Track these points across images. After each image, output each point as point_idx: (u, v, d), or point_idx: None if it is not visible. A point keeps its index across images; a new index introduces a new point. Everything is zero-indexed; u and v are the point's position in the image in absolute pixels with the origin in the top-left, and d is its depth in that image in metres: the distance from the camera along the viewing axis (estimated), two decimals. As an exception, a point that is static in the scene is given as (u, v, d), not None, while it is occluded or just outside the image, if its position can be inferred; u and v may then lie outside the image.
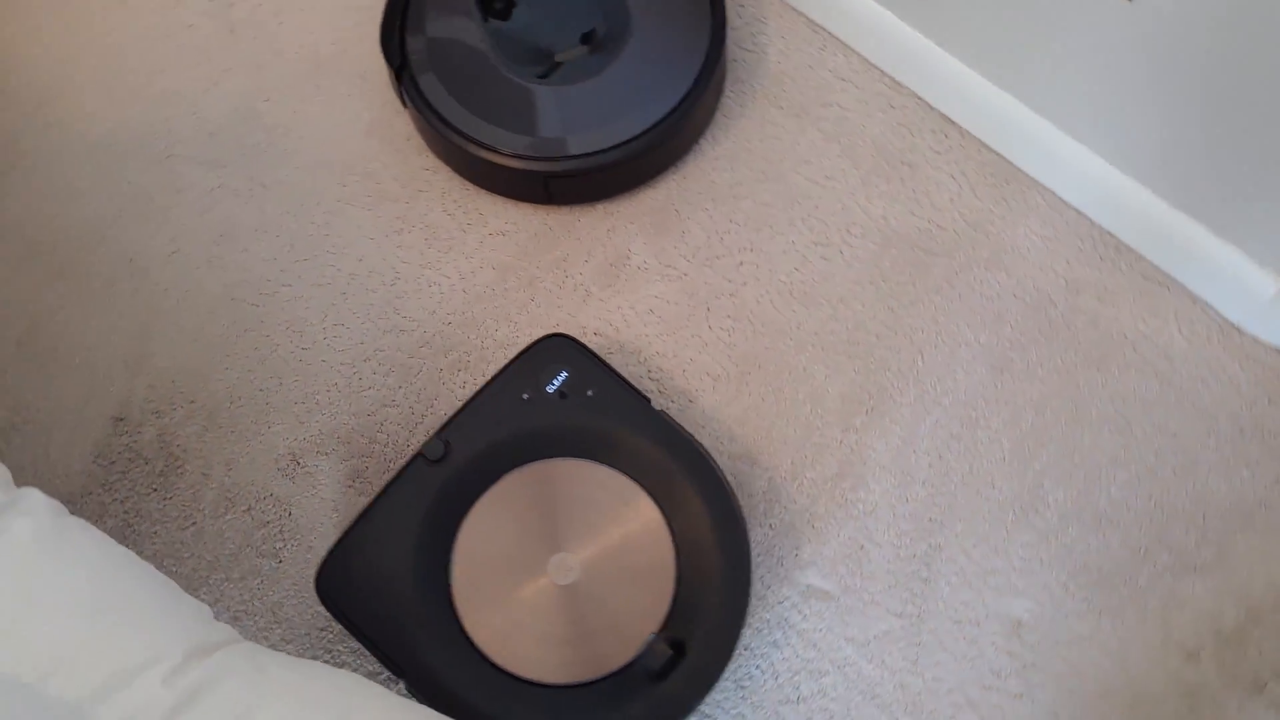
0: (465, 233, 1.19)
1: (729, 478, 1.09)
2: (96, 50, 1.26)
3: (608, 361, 1.07)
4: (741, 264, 1.17)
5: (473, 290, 1.16)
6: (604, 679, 0.97)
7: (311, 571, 1.04)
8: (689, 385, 1.13)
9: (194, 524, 1.10)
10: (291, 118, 1.23)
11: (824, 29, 1.24)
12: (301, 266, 1.18)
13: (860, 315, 1.15)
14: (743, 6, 1.26)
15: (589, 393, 1.04)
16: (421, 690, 0.96)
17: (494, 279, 1.17)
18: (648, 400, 1.05)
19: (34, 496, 0.75)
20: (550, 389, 1.03)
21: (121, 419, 1.13)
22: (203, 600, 1.06)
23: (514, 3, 1.18)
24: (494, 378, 1.05)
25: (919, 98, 1.21)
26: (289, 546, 1.09)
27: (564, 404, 1.03)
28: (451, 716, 0.92)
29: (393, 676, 0.99)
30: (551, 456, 1.02)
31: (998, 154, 1.19)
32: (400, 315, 1.16)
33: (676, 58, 1.16)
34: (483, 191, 1.20)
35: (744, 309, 1.15)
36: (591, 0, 1.19)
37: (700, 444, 1.04)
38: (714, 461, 1.03)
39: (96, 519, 1.10)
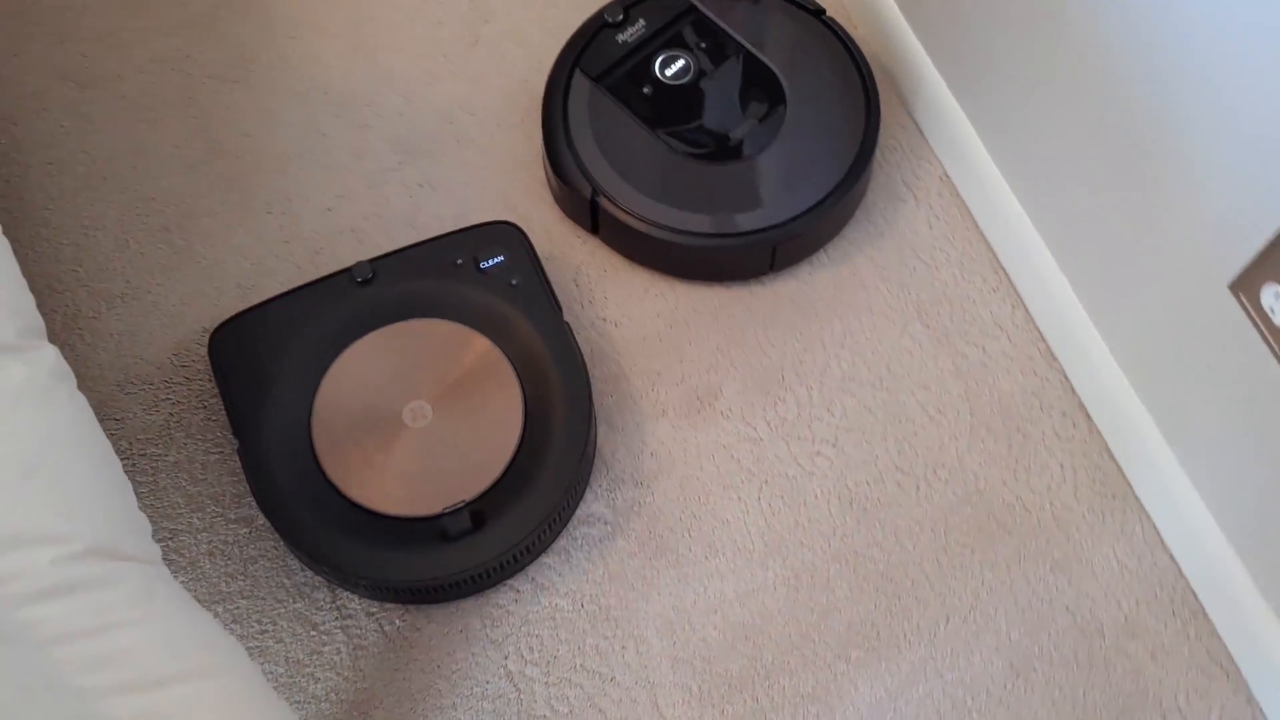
0: (583, 309, 1.20)
1: (703, 643, 1.06)
2: (353, 11, 1.34)
3: (545, 271, 1.15)
4: (819, 454, 1.14)
5: (563, 362, 1.18)
6: (403, 519, 1.05)
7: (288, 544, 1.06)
8: (711, 541, 1.11)
9: (221, 452, 1.14)
10: (484, 137, 1.27)
11: (1005, 272, 1.21)
12: (428, 272, 1.21)
13: (907, 555, 1.11)
14: (936, 220, 1.24)
15: (513, 281, 1.12)
16: (247, 459, 1.06)
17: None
18: (560, 311, 1.12)
19: (46, 353, 0.79)
20: (484, 265, 1.12)
21: (206, 331, 1.19)
22: (193, 526, 1.10)
23: (695, 110, 1.20)
24: (442, 235, 1.15)
25: (1065, 376, 1.17)
26: (288, 512, 1.12)
27: (487, 280, 1.12)
28: (260, 494, 1.05)
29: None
30: (455, 320, 1.11)
31: (1117, 464, 1.14)
32: (488, 354, 1.18)
33: (837, 110, 1.20)
34: (615, 276, 1.21)
35: (799, 497, 1.13)
36: (748, 75, 1.21)
37: (588, 371, 1.10)
38: (590, 392, 1.09)
39: (144, 410, 1.15)
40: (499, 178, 1.26)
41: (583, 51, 1.21)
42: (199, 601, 1.05)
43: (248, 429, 1.07)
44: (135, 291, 1.21)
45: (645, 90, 1.20)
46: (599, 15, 1.23)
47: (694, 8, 1.23)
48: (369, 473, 1.06)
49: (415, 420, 1.07)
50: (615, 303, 1.21)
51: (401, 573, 1.03)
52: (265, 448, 1.06)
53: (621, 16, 1.22)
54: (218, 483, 1.13)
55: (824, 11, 1.25)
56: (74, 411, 0.80)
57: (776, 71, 1.21)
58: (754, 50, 1.22)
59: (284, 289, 1.20)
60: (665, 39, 1.22)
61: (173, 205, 1.24)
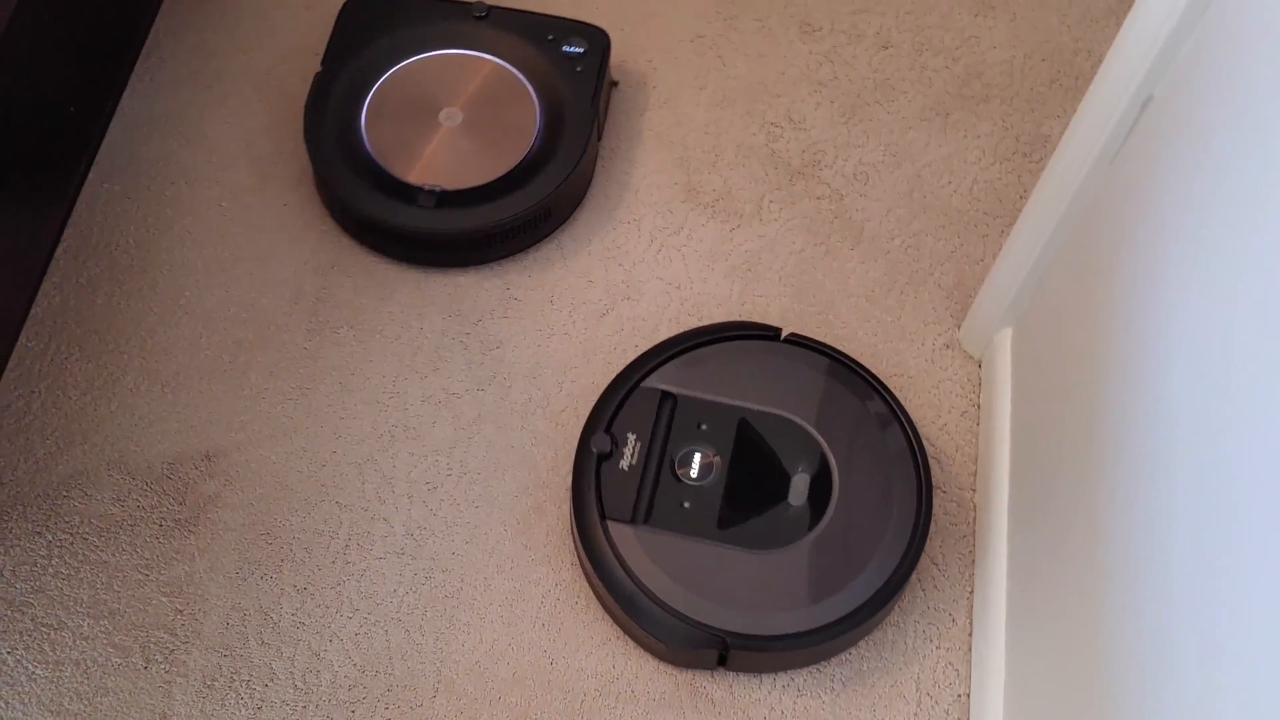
0: (535, 632, 1.14)
1: None
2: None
3: (610, 79, 1.39)
4: None
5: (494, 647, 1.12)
6: (391, 175, 1.29)
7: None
8: None
9: (145, 575, 1.15)
10: (558, 407, 1.23)
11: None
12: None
13: None
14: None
15: (578, 69, 1.34)
16: (316, 85, 1.32)
17: (508, 684, 1.11)
18: (597, 112, 1.33)
19: None
20: (565, 49, 1.34)
21: (210, 458, 1.20)
22: (79, 631, 1.11)
23: (747, 500, 1.12)
24: (550, 15, 1.38)
25: None
26: (159, 663, 1.11)
27: (561, 59, 1.34)
28: (310, 111, 1.30)
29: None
30: (520, 71, 1.35)
31: None
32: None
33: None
34: (580, 616, 1.14)
35: None
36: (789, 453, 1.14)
37: (587, 155, 1.31)
38: (578, 171, 1.30)
39: (111, 498, 1.18)
40: (535, 455, 1.21)
41: (600, 497, 1.10)
42: (40, 702, 1.07)
43: (333, 64, 1.33)
44: (175, 389, 1.24)
45: (686, 505, 1.11)
46: (587, 449, 1.12)
47: (669, 394, 1.15)
48: (391, 136, 1.31)
49: (446, 120, 1.32)
50: (571, 636, 1.13)
51: (368, 208, 1.26)
52: (334, 84, 1.32)
53: (609, 443, 1.12)
54: (127, 601, 1.13)
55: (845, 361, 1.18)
56: None
57: (818, 439, 1.13)
58: (767, 410, 1.14)
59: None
60: (666, 440, 1.13)
61: (253, 327, 1.27)
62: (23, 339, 1.24)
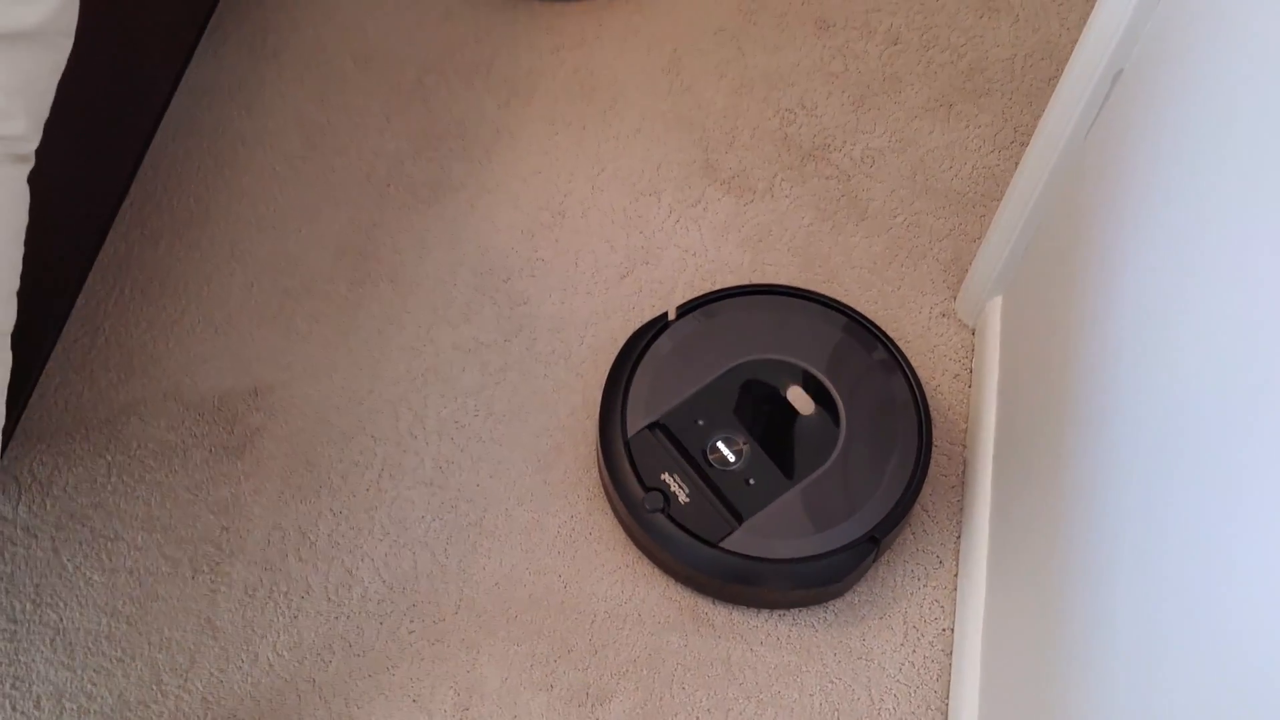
0: (542, 554, 1.23)
1: None
2: (549, 199, 1.44)
3: None
4: (653, 813, 1.11)
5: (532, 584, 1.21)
6: None
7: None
8: None
9: (195, 495, 1.25)
10: (576, 359, 1.33)
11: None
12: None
13: None
14: (911, 666, 1.18)
15: None
16: None
17: (524, 604, 1.20)
18: None
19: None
20: None
21: (257, 393, 1.30)
22: (134, 543, 1.19)
23: (781, 441, 1.21)
24: None
25: None
26: (205, 573, 1.20)
27: None
28: None
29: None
30: None
31: None
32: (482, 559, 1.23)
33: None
34: (595, 540, 1.23)
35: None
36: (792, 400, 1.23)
37: None
38: None
39: (167, 426, 1.28)
40: (556, 401, 1.31)
41: (696, 536, 1.16)
42: (96, 605, 1.16)
43: None
44: (227, 331, 1.34)
45: (751, 482, 1.18)
46: (640, 507, 1.17)
47: (655, 424, 1.21)
48: None
49: None
50: (584, 563, 1.23)
51: None
52: None
53: (660, 497, 1.17)
54: (178, 517, 1.24)
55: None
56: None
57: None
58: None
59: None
60: (689, 455, 1.19)
61: (300, 278, 1.37)
62: (90, 281, 1.36)
